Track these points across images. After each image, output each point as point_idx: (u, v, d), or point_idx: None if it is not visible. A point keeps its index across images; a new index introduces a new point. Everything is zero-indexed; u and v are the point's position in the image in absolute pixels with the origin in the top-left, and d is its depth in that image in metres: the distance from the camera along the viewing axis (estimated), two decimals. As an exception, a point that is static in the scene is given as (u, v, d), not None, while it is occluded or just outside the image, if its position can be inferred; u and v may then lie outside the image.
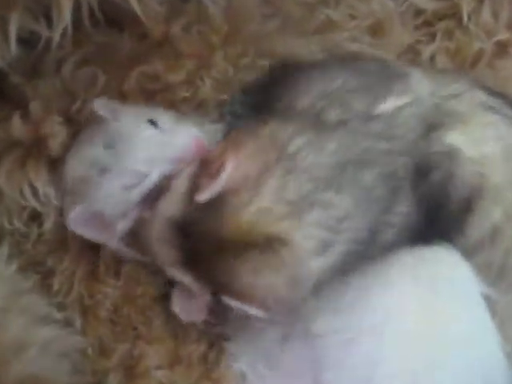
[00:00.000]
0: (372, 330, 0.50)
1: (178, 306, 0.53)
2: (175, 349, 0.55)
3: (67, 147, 0.56)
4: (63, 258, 0.56)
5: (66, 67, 0.56)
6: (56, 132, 0.55)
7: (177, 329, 0.55)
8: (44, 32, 0.52)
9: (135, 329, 0.55)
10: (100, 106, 0.53)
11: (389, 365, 0.50)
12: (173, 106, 0.57)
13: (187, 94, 0.57)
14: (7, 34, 0.49)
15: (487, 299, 0.52)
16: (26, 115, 0.55)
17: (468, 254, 0.52)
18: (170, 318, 0.56)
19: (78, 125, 0.57)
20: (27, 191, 0.56)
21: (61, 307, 0.55)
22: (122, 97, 0.57)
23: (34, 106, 0.55)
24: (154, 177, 0.52)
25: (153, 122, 0.53)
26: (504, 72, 0.62)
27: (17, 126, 0.55)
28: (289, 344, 0.53)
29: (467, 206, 0.51)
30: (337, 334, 0.51)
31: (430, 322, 0.50)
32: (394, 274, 0.52)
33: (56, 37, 0.51)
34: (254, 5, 0.59)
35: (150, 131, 0.53)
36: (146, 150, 0.52)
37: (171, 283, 0.55)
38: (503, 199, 0.52)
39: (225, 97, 0.56)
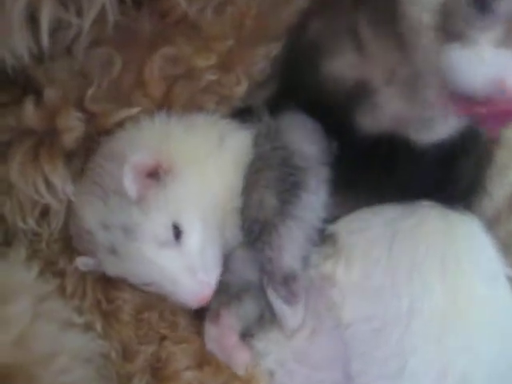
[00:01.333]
0: (399, 319, 0.50)
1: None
2: (203, 349, 0.54)
3: (83, 142, 0.52)
4: (72, 258, 0.53)
5: (77, 47, 0.50)
6: (72, 127, 0.50)
7: (202, 328, 0.54)
8: (74, 20, 0.46)
9: (159, 332, 0.54)
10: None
11: (419, 356, 0.50)
12: (194, 96, 0.53)
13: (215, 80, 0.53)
14: (38, 25, 0.43)
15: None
16: (38, 102, 0.50)
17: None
18: (195, 318, 0.55)
19: (93, 116, 0.52)
20: (42, 186, 0.51)
21: (79, 311, 0.52)
22: (141, 83, 0.52)
23: (49, 94, 0.50)
24: None
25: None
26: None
27: (29, 114, 0.49)
28: (318, 337, 0.53)
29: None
30: (364, 323, 0.51)
31: (459, 308, 0.51)
32: (421, 255, 0.51)
33: (86, 25, 0.46)
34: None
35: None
36: None
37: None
38: None
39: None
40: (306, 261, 0.53)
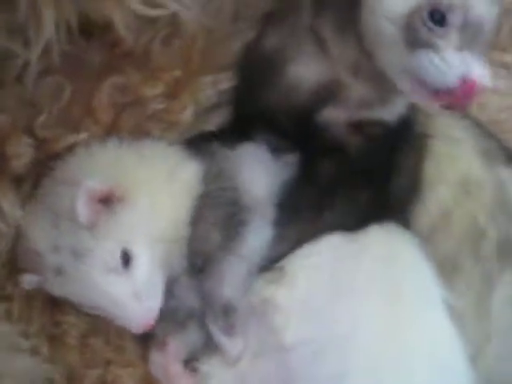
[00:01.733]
0: (338, 343, 0.52)
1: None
2: (148, 373, 0.54)
3: (32, 167, 0.53)
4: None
5: (28, 76, 0.52)
6: (21, 152, 0.52)
7: (148, 352, 0.55)
8: (21, 52, 0.47)
9: (104, 355, 0.54)
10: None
11: (356, 379, 0.51)
12: (141, 123, 0.55)
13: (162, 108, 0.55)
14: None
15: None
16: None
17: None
18: (140, 342, 0.55)
19: (43, 141, 0.53)
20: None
21: (25, 335, 0.52)
22: (90, 110, 0.54)
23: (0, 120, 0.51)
24: None
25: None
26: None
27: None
28: (260, 360, 0.54)
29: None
30: (305, 346, 0.52)
31: (396, 333, 0.52)
32: (361, 281, 0.53)
33: (33, 56, 0.47)
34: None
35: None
36: None
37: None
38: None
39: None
40: (245, 293, 0.54)
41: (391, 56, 0.50)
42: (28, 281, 0.52)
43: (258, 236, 0.55)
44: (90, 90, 0.54)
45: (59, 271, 0.50)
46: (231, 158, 0.56)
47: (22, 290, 0.53)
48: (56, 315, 0.54)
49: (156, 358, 0.55)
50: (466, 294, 0.55)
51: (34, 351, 0.52)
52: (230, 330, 0.53)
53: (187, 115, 0.55)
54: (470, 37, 0.47)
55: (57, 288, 0.51)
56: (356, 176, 0.54)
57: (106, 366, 0.54)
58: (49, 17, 0.44)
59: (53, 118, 0.53)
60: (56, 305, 0.53)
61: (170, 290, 0.54)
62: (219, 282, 0.53)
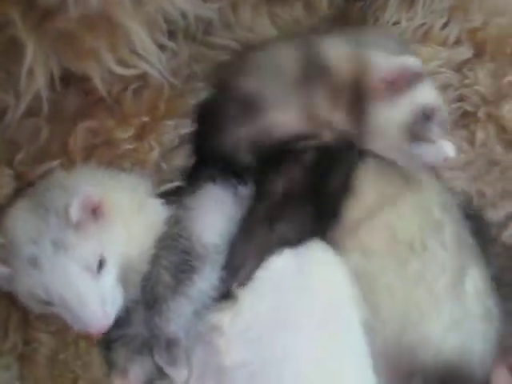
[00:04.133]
0: (273, 365, 0.57)
1: None
2: (112, 390, 0.59)
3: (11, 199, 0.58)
4: (-2, 303, 0.57)
5: (10, 118, 0.57)
6: (2, 184, 0.56)
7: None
8: (11, 101, 0.53)
9: (73, 372, 0.58)
10: None
11: None
12: (113, 161, 0.62)
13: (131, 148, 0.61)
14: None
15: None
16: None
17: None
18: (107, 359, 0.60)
19: (21, 176, 0.58)
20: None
21: (-1, 353, 0.56)
22: (65, 150, 0.60)
23: (-18, 156, 0.56)
24: None
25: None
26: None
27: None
28: (204, 381, 0.59)
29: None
30: (244, 368, 0.57)
31: (324, 361, 0.58)
32: (298, 310, 0.59)
33: (22, 105, 0.53)
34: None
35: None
36: None
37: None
38: None
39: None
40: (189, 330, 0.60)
41: (391, 145, 0.64)
42: None
43: (207, 281, 0.61)
44: (65, 132, 0.60)
45: (34, 262, 0.54)
46: (190, 204, 0.63)
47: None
48: (28, 333, 0.57)
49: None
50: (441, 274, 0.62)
51: (7, 368, 0.55)
52: (173, 361, 0.59)
53: (154, 155, 0.62)
54: (443, 126, 0.64)
55: (25, 280, 0.54)
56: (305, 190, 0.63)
57: (74, 381, 0.58)
58: (39, 72, 0.50)
59: (30, 155, 0.59)
60: (29, 322, 0.57)
61: (128, 319, 0.60)
62: (165, 320, 0.59)
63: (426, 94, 0.64)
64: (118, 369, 0.60)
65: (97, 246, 0.55)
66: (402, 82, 0.63)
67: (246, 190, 0.64)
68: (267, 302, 0.59)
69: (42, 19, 0.47)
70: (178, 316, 0.60)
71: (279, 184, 0.62)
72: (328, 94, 0.63)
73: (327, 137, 0.64)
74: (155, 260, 0.60)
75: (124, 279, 0.58)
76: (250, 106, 0.63)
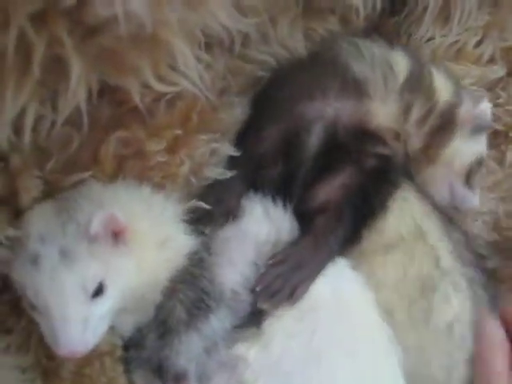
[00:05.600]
0: None
1: None
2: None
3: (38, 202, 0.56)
4: (20, 317, 0.57)
5: (42, 125, 0.56)
6: (31, 186, 0.55)
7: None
8: (49, 115, 0.52)
9: (98, 387, 0.58)
10: None
11: None
12: (143, 173, 0.60)
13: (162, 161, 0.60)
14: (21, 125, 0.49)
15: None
16: (6, 168, 0.54)
17: None
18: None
19: (50, 184, 0.57)
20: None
21: (21, 369, 0.55)
22: (96, 160, 0.59)
23: (14, 161, 0.55)
24: None
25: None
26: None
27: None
28: None
29: None
30: None
31: None
32: (333, 350, 0.57)
33: (60, 120, 0.52)
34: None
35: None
36: None
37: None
38: None
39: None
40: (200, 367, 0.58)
41: (447, 176, 0.68)
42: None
43: (221, 322, 0.59)
44: (96, 141, 0.59)
45: (34, 260, 0.52)
46: (216, 249, 0.61)
47: (21, 325, 0.56)
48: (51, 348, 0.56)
49: None
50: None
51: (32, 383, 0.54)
52: None
53: (184, 169, 0.61)
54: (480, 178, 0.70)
55: (20, 272, 0.53)
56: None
57: (98, 399, 0.57)
58: (81, 87, 0.49)
59: (60, 164, 0.58)
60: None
61: (142, 342, 0.59)
62: (176, 352, 0.58)
63: (484, 144, 0.70)
64: None
65: (101, 270, 0.53)
66: (481, 125, 0.67)
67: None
68: (301, 342, 0.57)
69: (87, 36, 0.45)
70: (188, 350, 0.58)
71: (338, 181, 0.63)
72: (421, 112, 0.65)
73: (394, 150, 0.65)
74: (171, 293, 0.59)
75: (133, 306, 0.57)
76: (356, 88, 0.64)
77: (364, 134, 0.63)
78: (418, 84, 0.66)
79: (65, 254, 0.52)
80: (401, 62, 0.66)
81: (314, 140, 0.63)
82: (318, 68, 0.66)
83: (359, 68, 0.65)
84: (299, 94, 0.64)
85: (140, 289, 0.56)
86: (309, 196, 0.63)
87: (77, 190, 0.57)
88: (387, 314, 0.61)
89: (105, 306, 0.54)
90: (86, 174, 0.58)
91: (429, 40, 0.74)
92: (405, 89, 0.65)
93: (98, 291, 0.53)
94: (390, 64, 0.66)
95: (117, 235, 0.54)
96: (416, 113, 0.65)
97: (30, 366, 0.55)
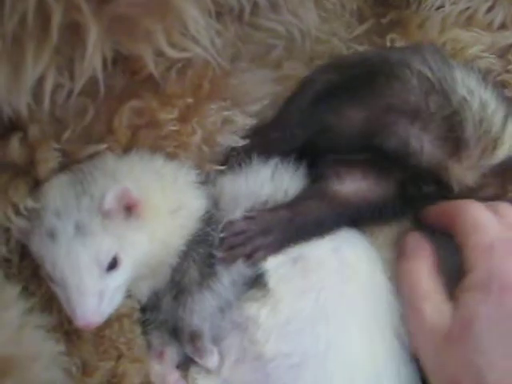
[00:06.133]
0: (316, 357, 0.57)
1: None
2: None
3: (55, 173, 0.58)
4: (41, 283, 0.59)
5: (59, 94, 0.56)
6: (49, 157, 0.57)
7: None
8: (67, 83, 0.53)
9: (117, 348, 0.60)
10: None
11: None
12: (156, 143, 0.62)
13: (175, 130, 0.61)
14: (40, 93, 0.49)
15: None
16: (23, 138, 0.56)
17: None
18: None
19: (67, 155, 0.59)
20: (11, 213, 0.56)
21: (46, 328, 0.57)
22: (110, 129, 0.60)
23: (33, 131, 0.56)
24: None
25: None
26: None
27: (14, 148, 0.55)
28: (241, 367, 0.59)
29: None
30: (284, 359, 0.57)
31: (371, 352, 0.58)
32: (343, 307, 0.59)
33: (76, 89, 0.53)
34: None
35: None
36: None
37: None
38: None
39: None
40: (214, 327, 0.60)
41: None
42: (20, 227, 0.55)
43: (233, 280, 0.61)
44: (111, 111, 0.60)
45: (51, 235, 0.54)
46: (223, 205, 0.62)
47: (42, 290, 0.58)
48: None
49: (155, 367, 0.61)
50: None
51: (57, 341, 0.56)
52: (196, 353, 0.60)
53: (196, 138, 0.62)
54: None
55: (38, 244, 0.55)
56: None
57: (118, 359, 0.59)
58: (97, 55, 0.50)
59: (76, 134, 0.59)
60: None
61: (158, 305, 0.61)
62: (190, 312, 0.60)
63: None
64: (154, 350, 0.61)
65: (114, 244, 0.54)
66: None
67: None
68: (308, 298, 0.59)
69: (102, 2, 0.46)
70: (201, 309, 0.60)
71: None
72: None
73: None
74: (184, 255, 0.60)
75: (150, 273, 0.59)
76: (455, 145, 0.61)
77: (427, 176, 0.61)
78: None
79: (79, 229, 0.54)
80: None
81: (383, 142, 0.61)
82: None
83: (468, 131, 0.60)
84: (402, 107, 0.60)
85: (155, 258, 0.58)
86: (334, 176, 0.63)
87: (92, 163, 0.59)
88: None
89: (120, 278, 0.55)
90: (102, 147, 0.59)
91: (439, 8, 0.73)
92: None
93: (113, 264, 0.55)
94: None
95: (130, 209, 0.56)
96: None
97: (53, 327, 0.57)
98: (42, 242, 0.54)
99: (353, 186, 0.62)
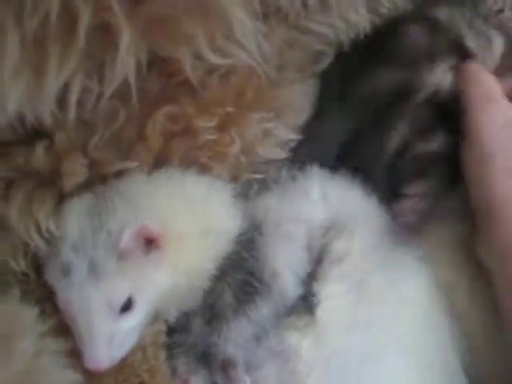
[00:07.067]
0: None
1: None
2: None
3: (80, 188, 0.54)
4: (56, 305, 0.54)
5: (88, 98, 0.52)
6: (76, 171, 0.52)
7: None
8: (96, 87, 0.48)
9: (138, 376, 0.55)
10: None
11: None
12: (190, 152, 0.57)
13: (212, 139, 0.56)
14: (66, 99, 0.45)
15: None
16: (49, 145, 0.52)
17: None
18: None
19: (95, 165, 0.54)
20: (32, 228, 0.52)
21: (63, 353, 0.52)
22: (142, 136, 0.55)
23: (59, 138, 0.52)
24: None
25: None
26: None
27: (39, 156, 0.51)
28: None
29: None
30: None
31: None
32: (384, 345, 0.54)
33: (107, 93, 0.49)
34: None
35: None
36: None
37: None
38: None
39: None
40: (249, 355, 0.55)
41: None
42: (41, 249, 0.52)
43: (271, 308, 0.56)
44: (143, 116, 0.55)
45: (67, 270, 0.51)
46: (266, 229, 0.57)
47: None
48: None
49: None
50: None
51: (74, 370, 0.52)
52: (229, 382, 0.55)
53: (234, 148, 0.57)
54: None
55: (53, 276, 0.52)
56: None
57: (139, 386, 0.55)
58: (130, 58, 0.46)
59: (105, 140, 0.54)
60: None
61: (187, 326, 0.56)
62: (224, 339, 0.55)
63: None
64: (179, 378, 0.56)
65: (129, 287, 0.51)
66: None
67: None
68: (357, 332, 0.54)
69: (136, 3, 0.41)
70: (237, 336, 0.56)
71: None
72: None
73: None
74: (220, 276, 0.56)
75: (175, 299, 0.55)
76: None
77: None
78: None
79: (93, 269, 0.51)
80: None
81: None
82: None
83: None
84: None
85: (179, 289, 0.54)
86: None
87: (115, 187, 0.54)
88: None
89: (134, 320, 0.52)
90: (132, 164, 0.55)
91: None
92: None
93: (127, 306, 0.52)
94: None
95: (150, 243, 0.52)
96: None
97: (70, 351, 0.53)
98: (57, 276, 0.52)
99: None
